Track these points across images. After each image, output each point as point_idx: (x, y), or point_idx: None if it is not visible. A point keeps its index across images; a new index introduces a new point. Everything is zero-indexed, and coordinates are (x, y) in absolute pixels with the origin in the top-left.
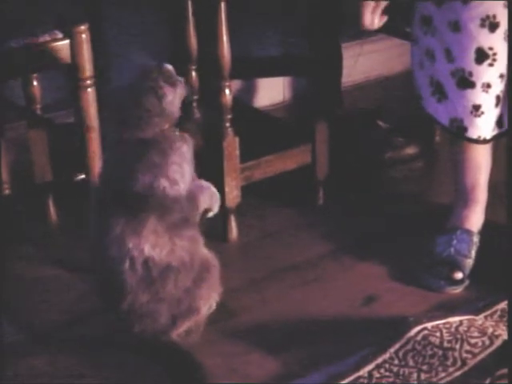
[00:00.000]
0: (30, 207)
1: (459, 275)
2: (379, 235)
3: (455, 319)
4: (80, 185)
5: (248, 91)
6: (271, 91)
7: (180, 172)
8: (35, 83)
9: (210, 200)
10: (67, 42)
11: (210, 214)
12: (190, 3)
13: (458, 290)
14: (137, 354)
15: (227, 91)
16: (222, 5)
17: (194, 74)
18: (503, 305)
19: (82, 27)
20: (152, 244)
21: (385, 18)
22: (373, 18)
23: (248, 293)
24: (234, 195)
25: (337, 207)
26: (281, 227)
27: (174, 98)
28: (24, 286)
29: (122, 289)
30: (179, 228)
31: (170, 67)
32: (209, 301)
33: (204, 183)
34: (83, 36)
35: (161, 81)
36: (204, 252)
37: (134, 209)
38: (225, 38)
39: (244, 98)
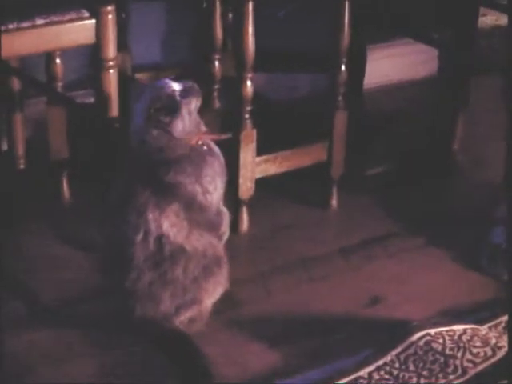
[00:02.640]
0: (43, 184)
1: None
2: (390, 236)
3: (459, 327)
4: (96, 165)
5: (274, 84)
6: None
7: (213, 184)
8: (58, 61)
9: (225, 227)
10: (93, 21)
11: (224, 238)
12: None
13: None
14: (138, 337)
15: (249, 83)
16: None
17: (217, 63)
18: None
19: (109, 8)
20: (171, 222)
21: None
22: None
23: (254, 284)
24: (247, 187)
25: (350, 206)
26: (292, 222)
27: (183, 123)
28: (31, 261)
29: (129, 262)
30: (201, 228)
31: (167, 87)
32: (213, 295)
33: (223, 209)
34: (109, 17)
35: (162, 116)
36: (219, 248)
37: (162, 190)
38: (250, 29)
39: (269, 92)
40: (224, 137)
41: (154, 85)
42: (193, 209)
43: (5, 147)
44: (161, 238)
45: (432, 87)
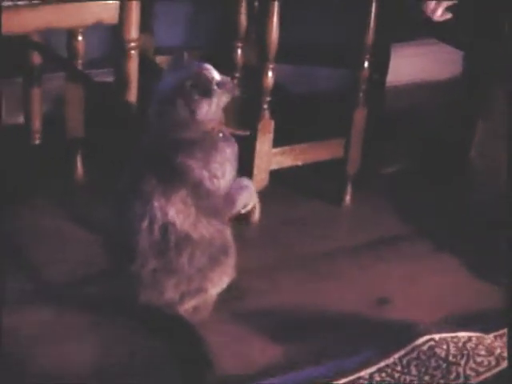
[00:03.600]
0: (58, 161)
1: None
2: (402, 238)
3: (464, 334)
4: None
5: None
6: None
7: (221, 170)
8: (80, 38)
9: (247, 199)
10: (117, 1)
11: (248, 208)
12: None
13: None
14: (140, 322)
15: (270, 74)
16: None
17: (239, 51)
18: None
19: None
20: (177, 210)
21: (448, 16)
22: (436, 7)
23: (261, 276)
24: (261, 177)
25: (363, 204)
26: (304, 217)
27: (208, 108)
28: (39, 238)
29: (134, 249)
30: (208, 215)
31: (208, 73)
32: (219, 284)
33: (245, 182)
34: None
35: (195, 94)
36: (227, 236)
37: (170, 175)
38: (275, 19)
39: (291, 83)
40: (242, 133)
41: (198, 64)
42: (200, 194)
43: (21, 120)
44: (167, 226)
45: (455, 89)
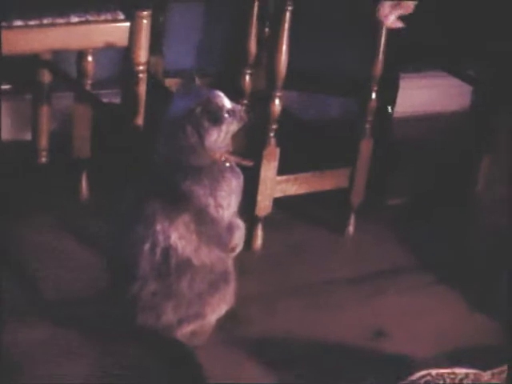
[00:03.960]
0: (63, 179)
1: None
2: (402, 270)
3: (461, 371)
4: (116, 165)
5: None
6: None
7: (227, 200)
8: (90, 58)
9: (239, 240)
10: (127, 24)
11: (236, 251)
12: (255, 7)
13: None
14: (137, 344)
15: (277, 101)
16: (287, 14)
17: (247, 77)
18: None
19: (145, 13)
20: (180, 234)
21: (400, 24)
22: (389, 13)
23: (260, 304)
24: (265, 205)
25: (366, 235)
26: (306, 245)
27: (218, 136)
28: (40, 255)
29: (134, 272)
30: (210, 242)
31: (219, 100)
32: (218, 311)
33: (239, 222)
34: (144, 21)
35: (205, 121)
36: (228, 264)
37: (175, 199)
38: (284, 47)
39: (299, 110)
40: (247, 163)
41: (209, 90)
42: (204, 221)
43: (29, 137)
44: (168, 250)
45: (462, 122)
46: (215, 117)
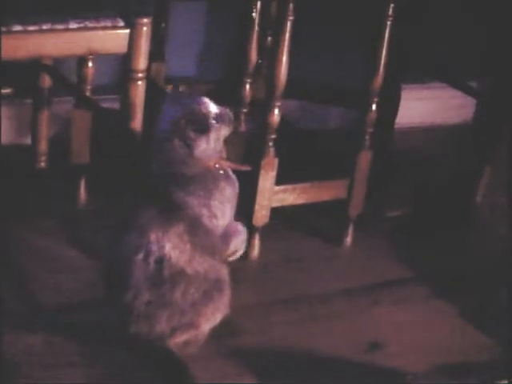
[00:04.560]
0: (61, 185)
1: None
2: (399, 283)
3: None
4: (114, 171)
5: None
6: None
7: (221, 210)
8: (90, 64)
9: (240, 244)
10: (127, 31)
11: (236, 256)
12: (257, 17)
13: None
14: (131, 353)
15: (276, 111)
16: (288, 24)
17: (247, 86)
18: (505, 382)
19: (145, 20)
20: (173, 245)
21: None
22: None
23: (255, 315)
24: (262, 214)
25: (363, 246)
26: (303, 256)
27: (207, 144)
28: (36, 261)
29: (128, 281)
30: (204, 252)
31: (204, 107)
32: (211, 320)
33: (239, 227)
34: (144, 29)
35: (190, 131)
36: (222, 273)
37: (168, 209)
38: (284, 58)
39: (299, 120)
40: (243, 168)
41: (193, 99)
42: (197, 232)
43: (29, 141)
44: (162, 259)
45: (464, 134)
46: (201, 126)
